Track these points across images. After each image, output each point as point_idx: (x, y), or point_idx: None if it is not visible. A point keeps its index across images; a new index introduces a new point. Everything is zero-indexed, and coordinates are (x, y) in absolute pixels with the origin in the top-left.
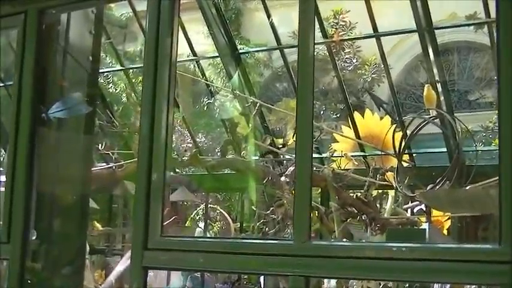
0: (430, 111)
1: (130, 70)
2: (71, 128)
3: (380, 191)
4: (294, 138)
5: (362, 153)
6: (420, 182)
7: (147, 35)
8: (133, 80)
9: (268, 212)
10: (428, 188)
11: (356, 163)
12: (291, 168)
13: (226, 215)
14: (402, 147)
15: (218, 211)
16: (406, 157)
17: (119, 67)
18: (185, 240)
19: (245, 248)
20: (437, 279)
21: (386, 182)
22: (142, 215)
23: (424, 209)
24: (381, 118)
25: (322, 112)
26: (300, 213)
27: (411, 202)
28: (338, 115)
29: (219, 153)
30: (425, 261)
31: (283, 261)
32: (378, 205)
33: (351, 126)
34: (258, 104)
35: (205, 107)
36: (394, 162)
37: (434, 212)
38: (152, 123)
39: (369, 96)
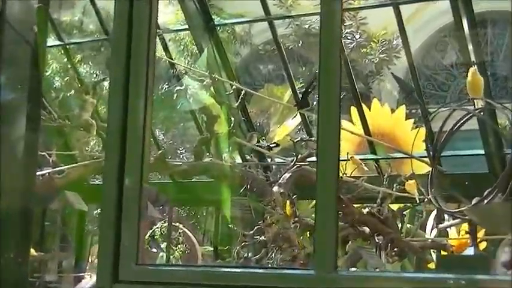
0: (476, 101)
1: (68, 46)
2: (8, 123)
3: (401, 205)
4: (279, 137)
5: (374, 156)
6: (457, 193)
7: None
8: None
9: (251, 231)
10: (473, 201)
11: (366, 169)
12: (286, 176)
13: (190, 235)
14: (438, 147)
15: (181, 230)
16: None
17: (54, 42)
18: (171, 270)
19: (254, 279)
20: None
21: (406, 194)
22: (112, 235)
23: (450, 228)
24: (392, 110)
25: (314, 103)
26: (324, 236)
27: (444, 219)
28: None
29: (182, 156)
30: None
31: None
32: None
33: (355, 120)
34: (243, 92)
35: (175, 95)
36: (416, 167)
37: (461, 233)
38: (125, 112)
39: (376, 82)
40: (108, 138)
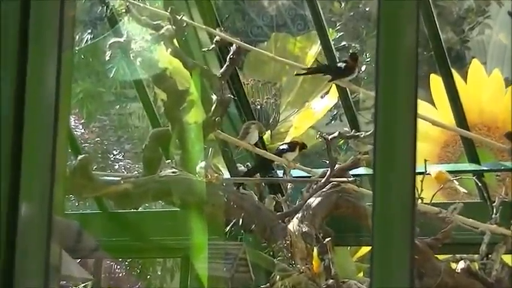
0: None
1: None
2: None
3: None
4: (298, 131)
5: (474, 167)
6: None
7: None
8: None
9: None
10: None
11: (462, 189)
12: (313, 202)
13: None
14: None
15: None
16: None
17: None
18: None
19: None
20: None
21: None
22: None
23: None
24: (508, 82)
25: (363, 67)
26: None
27: None
28: None
29: (118, 166)
30: None
31: None
32: None
33: (438, 101)
34: (232, 48)
35: (107, 53)
36: None
37: None
38: (20, 85)
39: (477, 31)
40: None
